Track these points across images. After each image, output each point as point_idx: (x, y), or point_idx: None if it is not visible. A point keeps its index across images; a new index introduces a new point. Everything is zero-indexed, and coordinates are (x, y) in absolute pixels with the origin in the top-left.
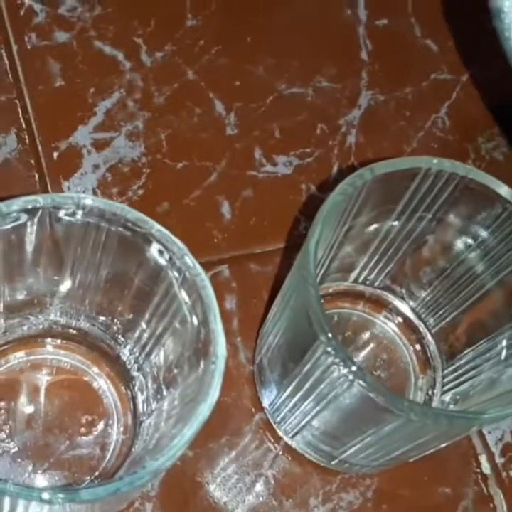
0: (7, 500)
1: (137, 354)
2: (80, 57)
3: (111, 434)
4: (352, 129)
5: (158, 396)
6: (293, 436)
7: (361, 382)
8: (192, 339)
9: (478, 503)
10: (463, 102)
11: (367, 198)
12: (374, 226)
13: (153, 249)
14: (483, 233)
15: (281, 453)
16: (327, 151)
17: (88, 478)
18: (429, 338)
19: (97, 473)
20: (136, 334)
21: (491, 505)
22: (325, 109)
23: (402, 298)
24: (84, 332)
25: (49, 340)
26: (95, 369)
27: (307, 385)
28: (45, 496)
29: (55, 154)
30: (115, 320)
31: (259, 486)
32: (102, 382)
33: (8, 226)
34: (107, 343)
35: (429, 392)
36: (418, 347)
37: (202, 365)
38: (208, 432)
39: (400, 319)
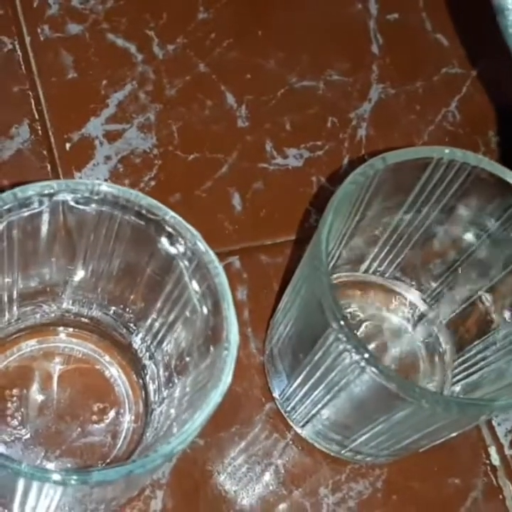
0: (21, 483)
1: (149, 342)
2: (92, 50)
3: (122, 422)
4: (363, 122)
5: (170, 384)
6: (303, 426)
7: (373, 368)
8: (202, 328)
9: (488, 494)
10: (473, 96)
11: (378, 188)
12: (385, 216)
13: (165, 238)
14: (495, 223)
15: (291, 442)
16: (338, 144)
17: (99, 465)
18: (440, 328)
19: (108, 461)
20: (148, 323)
21: (501, 496)
22: (336, 103)
23: (413, 289)
24: (97, 320)
25: (61, 328)
26: (107, 357)
27: (318, 374)
28: (58, 477)
29: (68, 145)
30: (127, 309)
31: (268, 475)
32: (114, 371)
33: (24, 214)
34: (119, 331)
35: (440, 383)
36: (428, 338)
37: (214, 352)
38: (219, 421)
39: (410, 310)
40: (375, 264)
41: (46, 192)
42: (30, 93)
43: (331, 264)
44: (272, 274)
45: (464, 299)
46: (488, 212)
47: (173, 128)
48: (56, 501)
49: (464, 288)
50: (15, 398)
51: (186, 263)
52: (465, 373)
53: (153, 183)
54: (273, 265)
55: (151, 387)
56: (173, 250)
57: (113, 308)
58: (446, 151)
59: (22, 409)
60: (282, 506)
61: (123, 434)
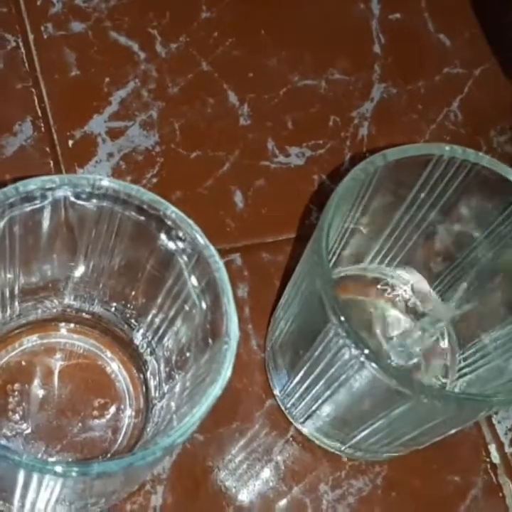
0: (21, 475)
1: (150, 338)
2: (95, 48)
3: (123, 417)
4: (364, 121)
5: (170, 379)
6: (303, 422)
7: (373, 364)
8: (202, 322)
9: (488, 492)
10: (475, 96)
11: (379, 185)
12: (386, 213)
13: (166, 234)
14: (495, 220)
15: (291, 439)
16: (339, 142)
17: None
18: (443, 323)
19: (109, 456)
20: (149, 318)
21: (500, 494)
22: (338, 101)
23: (415, 284)
24: (98, 316)
25: (63, 324)
26: (108, 353)
27: (318, 369)
28: (59, 468)
29: (70, 142)
30: (128, 304)
31: (268, 472)
32: (115, 366)
33: (25, 210)
34: (120, 327)
35: (441, 380)
36: (431, 332)
37: (214, 347)
38: (219, 417)
39: (413, 305)
40: (376, 261)
41: (48, 186)
42: (34, 90)
43: (332, 261)
44: (273, 271)
45: (466, 295)
46: (489, 209)
47: (176, 126)
48: (56, 494)
49: (465, 283)
50: (16, 393)
51: (185, 259)
52: (467, 370)
53: (155, 180)
54: (274, 262)
55: (152, 383)
56: (173, 246)
57: (114, 304)
58: (447, 148)
59: (23, 404)
60: (282, 502)
61: (123, 430)
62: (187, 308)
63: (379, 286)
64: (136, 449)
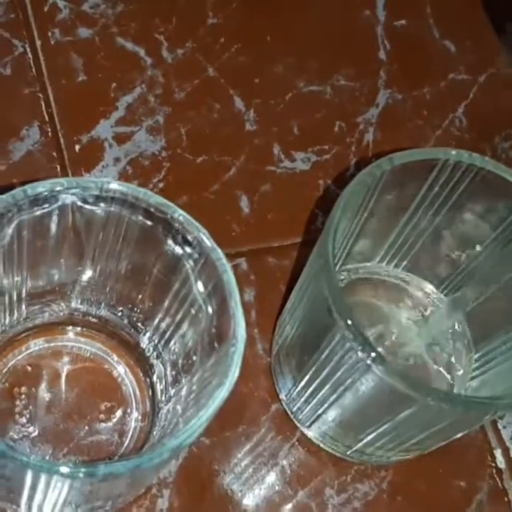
0: (29, 476)
1: (156, 342)
2: (102, 53)
3: (129, 420)
4: (370, 126)
5: (177, 383)
6: (309, 426)
7: (379, 367)
8: (209, 326)
9: (493, 496)
10: (480, 102)
11: (385, 189)
12: (392, 217)
13: (172, 239)
14: (501, 224)
15: (297, 443)
16: (345, 148)
17: None
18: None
19: (115, 459)
20: (155, 322)
21: (506, 499)
22: (343, 107)
23: (422, 287)
24: (105, 320)
25: (70, 327)
26: (115, 357)
27: (324, 373)
28: (66, 469)
29: (77, 147)
30: (135, 308)
31: (274, 476)
32: (121, 370)
33: (33, 214)
34: (127, 331)
35: (450, 382)
36: (442, 334)
37: (221, 350)
38: (225, 421)
39: (422, 309)
40: (383, 264)
41: (56, 189)
42: (41, 95)
43: (338, 263)
44: (279, 275)
45: (474, 298)
46: (495, 213)
47: (182, 131)
48: (63, 496)
49: (474, 287)
50: (23, 396)
51: (192, 264)
52: (482, 369)
53: (161, 184)
54: (280, 267)
55: (158, 386)
56: (179, 251)
57: (121, 307)
58: (453, 152)
59: (30, 407)
60: (288, 506)
61: (130, 433)
62: (193, 312)
63: (386, 289)
64: (143, 452)
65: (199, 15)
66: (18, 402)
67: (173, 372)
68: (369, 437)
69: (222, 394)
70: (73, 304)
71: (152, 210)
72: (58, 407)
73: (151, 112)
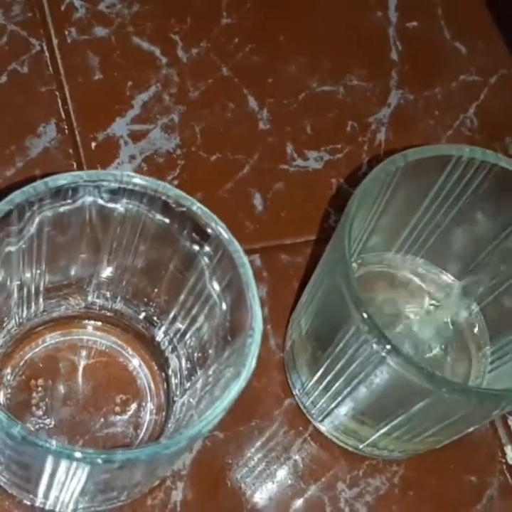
0: (49, 464)
1: (171, 335)
2: (118, 52)
3: (144, 413)
4: (381, 126)
5: (192, 376)
6: (322, 421)
7: (395, 358)
8: (222, 321)
9: (503, 492)
10: (491, 103)
11: (399, 184)
12: (405, 213)
13: (188, 235)
14: None
15: (309, 437)
16: (357, 147)
17: None
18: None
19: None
20: (171, 316)
21: None
22: (355, 107)
23: (438, 282)
24: (120, 314)
25: (86, 321)
26: (130, 350)
27: (339, 366)
28: (85, 455)
29: (93, 144)
30: (150, 302)
31: (287, 470)
32: (136, 363)
33: (54, 208)
34: (142, 325)
35: (470, 371)
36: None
37: (237, 342)
38: (238, 415)
39: (435, 303)
40: (397, 257)
41: (76, 181)
42: (58, 93)
43: (352, 258)
44: (292, 272)
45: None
46: (508, 209)
47: (196, 129)
48: (81, 485)
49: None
50: (40, 388)
51: (207, 261)
52: (498, 362)
53: (176, 182)
54: (293, 264)
55: (173, 380)
56: (195, 248)
57: (136, 301)
58: (467, 149)
59: (47, 400)
60: (300, 500)
61: (145, 426)
62: (208, 306)
63: (400, 282)
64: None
65: (213, 15)
66: (34, 395)
67: (188, 366)
68: (382, 431)
69: (239, 383)
70: (90, 298)
71: (170, 203)
72: (74, 399)
73: (166, 110)
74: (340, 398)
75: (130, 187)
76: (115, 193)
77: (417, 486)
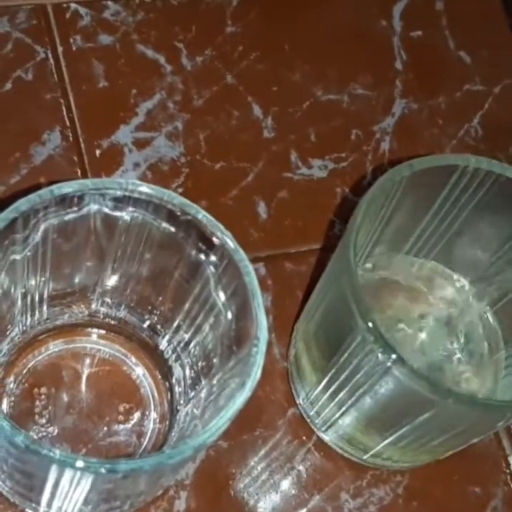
0: (53, 472)
1: (175, 345)
2: (122, 60)
3: (148, 422)
4: (386, 135)
5: (196, 385)
6: (325, 431)
7: (400, 368)
8: (227, 331)
9: (507, 503)
10: (495, 113)
11: (404, 194)
12: (410, 222)
13: (193, 244)
14: None
15: (313, 447)
16: (361, 156)
17: None
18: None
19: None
20: (175, 325)
21: None
22: (360, 116)
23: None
24: (124, 322)
25: (89, 329)
26: (133, 359)
27: (343, 375)
28: (88, 464)
29: (98, 152)
30: (155, 311)
31: (290, 479)
32: (140, 372)
33: (60, 216)
34: (146, 333)
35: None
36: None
37: (240, 352)
38: (242, 424)
39: (443, 309)
40: (402, 266)
41: (82, 189)
42: (62, 101)
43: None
44: (297, 281)
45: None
46: None
47: (201, 137)
48: (84, 494)
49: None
50: (43, 396)
51: (213, 270)
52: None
53: (180, 190)
54: (297, 273)
55: (177, 389)
56: (201, 257)
57: (140, 310)
58: (473, 159)
59: (50, 408)
60: (303, 510)
61: (148, 435)
62: (213, 316)
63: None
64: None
65: (218, 23)
66: (37, 403)
67: (192, 375)
68: (386, 441)
69: (244, 393)
70: (93, 306)
71: (175, 211)
72: (77, 407)
73: (171, 118)
74: (344, 408)
75: (135, 195)
76: (120, 201)
77: (421, 496)
